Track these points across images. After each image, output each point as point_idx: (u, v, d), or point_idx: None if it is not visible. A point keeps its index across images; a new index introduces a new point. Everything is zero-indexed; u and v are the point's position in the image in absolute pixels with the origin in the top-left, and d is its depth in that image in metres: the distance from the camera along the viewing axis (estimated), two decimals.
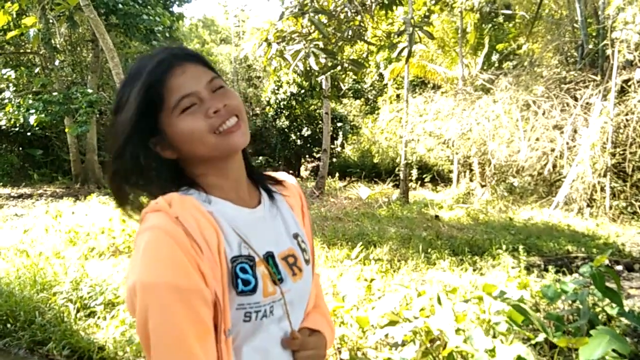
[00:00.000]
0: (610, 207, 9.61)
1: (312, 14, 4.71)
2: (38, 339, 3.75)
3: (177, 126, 0.85)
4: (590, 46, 11.44)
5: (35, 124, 12.15)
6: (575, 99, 10.96)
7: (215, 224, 0.83)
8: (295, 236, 1.00)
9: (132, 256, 0.79)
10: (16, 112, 12.13)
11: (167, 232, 0.76)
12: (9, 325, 3.93)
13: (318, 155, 17.26)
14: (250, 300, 0.84)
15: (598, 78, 10.74)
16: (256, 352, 0.87)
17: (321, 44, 5.07)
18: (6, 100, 13.03)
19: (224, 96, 0.88)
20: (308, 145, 19.69)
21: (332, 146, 18.45)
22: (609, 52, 10.12)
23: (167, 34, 14.92)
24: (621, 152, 9.97)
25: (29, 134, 15.65)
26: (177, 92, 0.84)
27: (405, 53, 4.65)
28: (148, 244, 0.77)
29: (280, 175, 1.11)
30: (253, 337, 0.87)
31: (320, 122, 17.77)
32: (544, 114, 11.06)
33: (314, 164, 19.44)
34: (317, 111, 18.70)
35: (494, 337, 2.83)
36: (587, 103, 10.66)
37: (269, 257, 0.90)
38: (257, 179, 1.03)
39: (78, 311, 4.03)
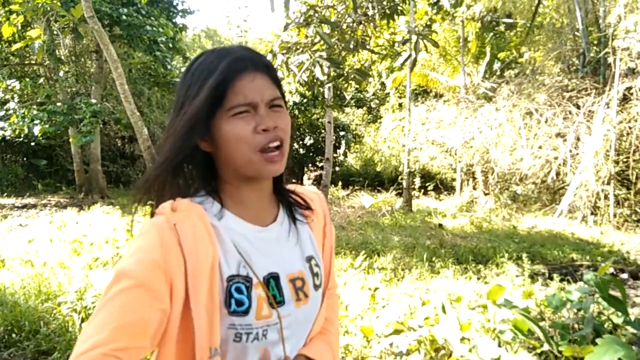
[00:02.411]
0: (615, 215, 9.58)
1: (316, 25, 4.75)
2: (43, 349, 3.75)
3: (224, 127, 0.85)
4: (592, 54, 11.49)
5: (39, 135, 12.19)
6: (578, 107, 10.97)
7: (215, 239, 0.83)
8: (309, 259, 0.98)
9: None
10: (21, 123, 12.18)
11: (160, 237, 0.79)
12: (14, 335, 3.93)
13: (321, 164, 17.27)
14: (242, 321, 0.83)
15: (600, 86, 10.77)
16: None
17: (325, 54, 5.10)
18: (11, 111, 13.08)
19: (278, 116, 0.87)
20: (311, 154, 19.71)
21: (335, 155, 18.46)
22: (610, 60, 10.15)
23: (170, 45, 14.99)
24: (624, 160, 9.97)
25: (33, 144, 15.70)
26: (237, 97, 0.84)
27: (409, 62, 4.68)
28: (141, 237, 0.81)
29: (309, 193, 1.08)
30: (243, 357, 0.85)
31: (322, 131, 17.81)
32: (546, 122, 11.08)
33: (317, 173, 19.44)
34: (320, 120, 18.74)
35: (499, 346, 2.82)
36: (590, 111, 10.68)
37: (270, 279, 0.88)
38: (282, 199, 1.01)
39: (82, 321, 4.03)
